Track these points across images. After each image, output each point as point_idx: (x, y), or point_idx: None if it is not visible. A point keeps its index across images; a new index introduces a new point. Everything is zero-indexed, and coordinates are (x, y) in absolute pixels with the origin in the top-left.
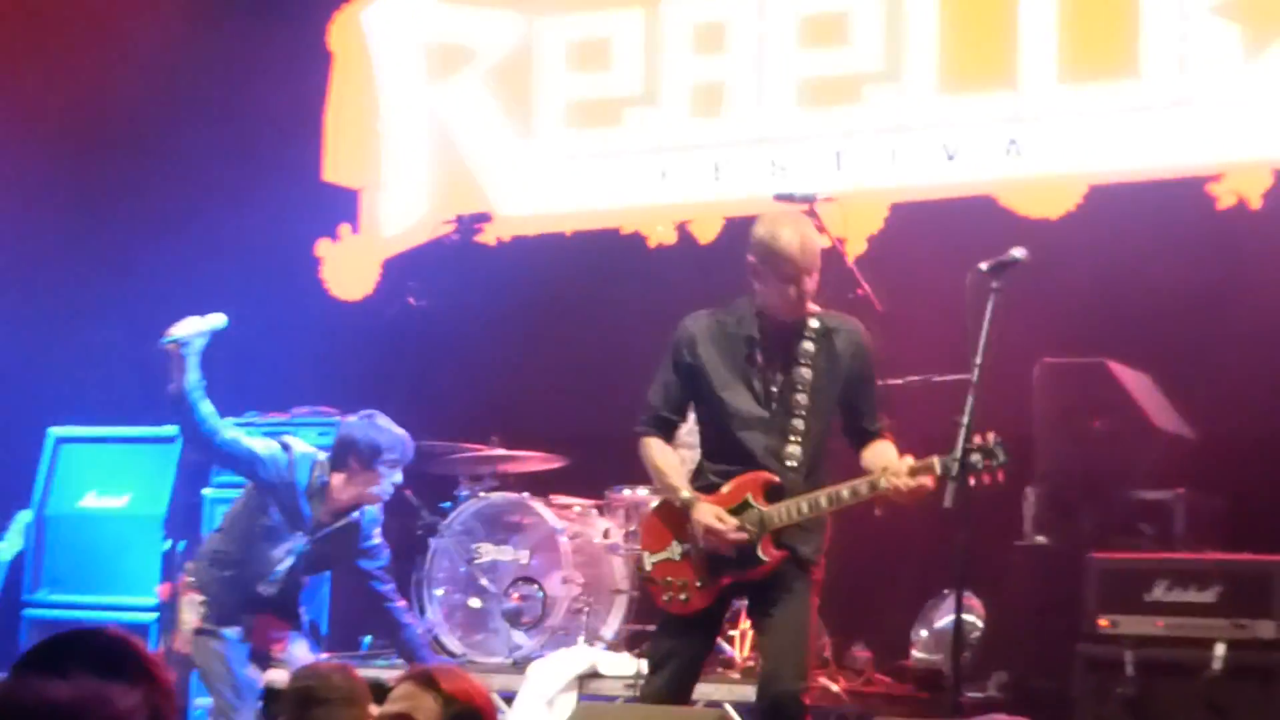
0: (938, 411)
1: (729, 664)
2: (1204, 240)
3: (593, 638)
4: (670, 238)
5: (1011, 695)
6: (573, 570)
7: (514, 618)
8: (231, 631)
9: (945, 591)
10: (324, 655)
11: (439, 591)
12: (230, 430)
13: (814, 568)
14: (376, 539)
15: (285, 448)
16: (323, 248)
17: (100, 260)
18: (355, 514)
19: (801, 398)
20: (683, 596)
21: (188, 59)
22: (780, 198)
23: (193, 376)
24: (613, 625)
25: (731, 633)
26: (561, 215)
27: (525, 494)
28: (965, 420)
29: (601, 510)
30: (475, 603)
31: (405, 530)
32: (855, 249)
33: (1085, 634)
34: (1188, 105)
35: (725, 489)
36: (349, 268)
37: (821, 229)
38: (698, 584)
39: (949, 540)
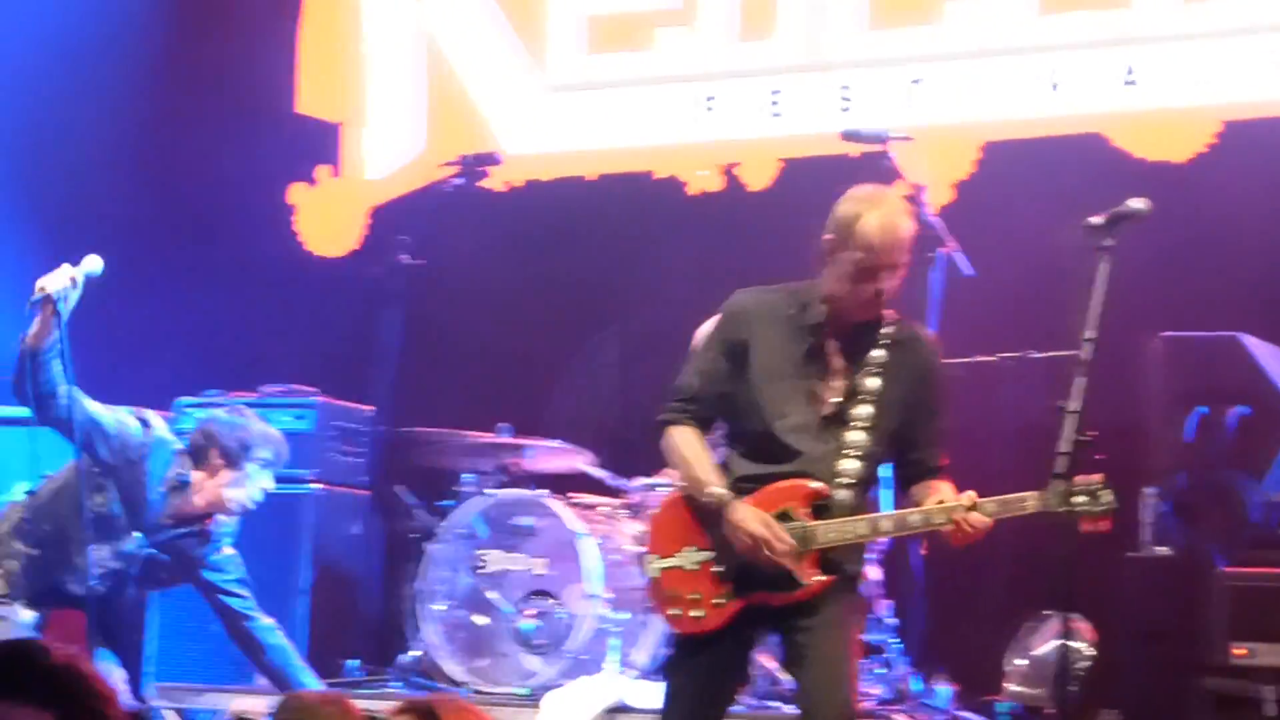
0: (1035, 395)
1: (782, 696)
2: None
3: (623, 664)
4: (715, 184)
5: None
6: (597, 582)
7: (527, 639)
8: (26, 616)
9: (1046, 613)
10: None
11: (437, 607)
12: (73, 393)
13: (854, 582)
14: (227, 550)
15: (144, 424)
16: (297, 194)
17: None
18: (208, 522)
19: (865, 410)
20: (695, 613)
21: None
22: (847, 136)
23: (55, 334)
24: (646, 648)
25: None
26: (582, 156)
27: (540, 491)
28: (1074, 408)
29: (631, 511)
30: (481, 621)
31: (396, 534)
32: (938, 198)
33: (1214, 665)
34: None
35: (760, 494)
36: (329, 218)
37: (896, 174)
38: (716, 600)
39: (1049, 552)
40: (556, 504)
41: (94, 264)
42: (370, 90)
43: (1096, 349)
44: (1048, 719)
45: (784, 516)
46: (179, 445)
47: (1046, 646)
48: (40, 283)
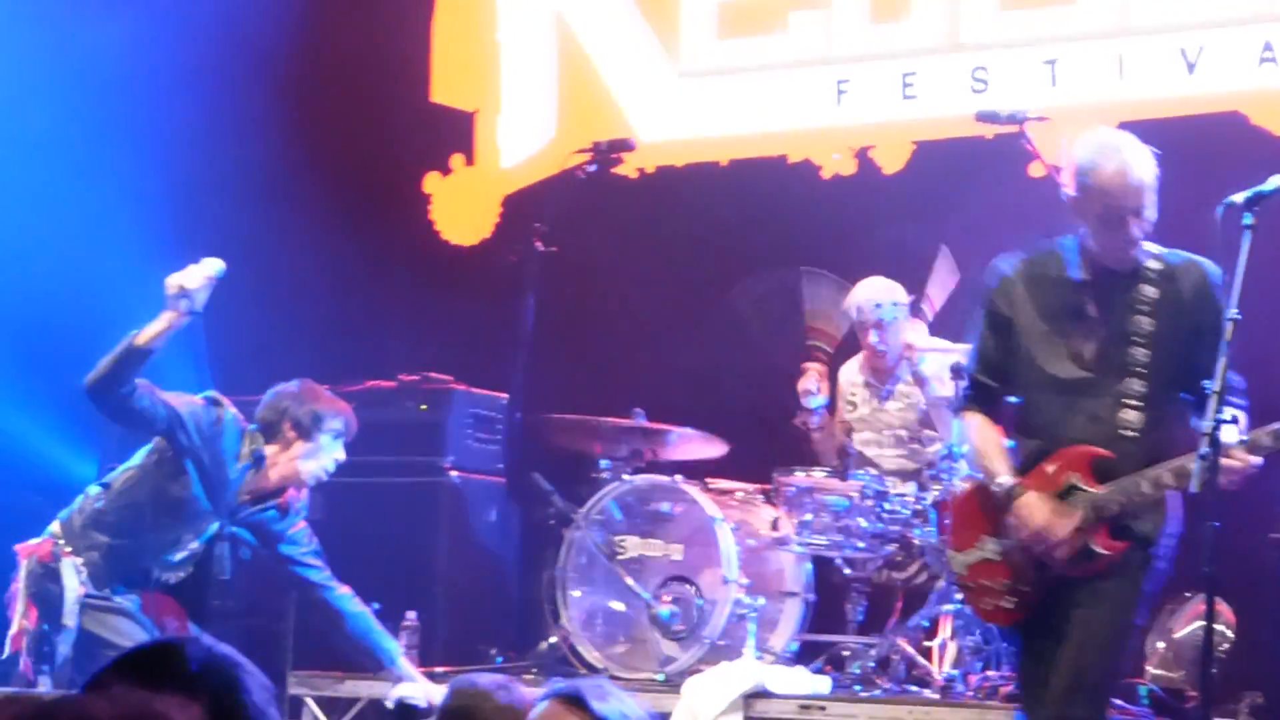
0: None
1: (922, 681)
2: None
3: (760, 649)
4: (848, 167)
5: None
6: (735, 568)
7: (665, 625)
8: (128, 601)
9: (1186, 595)
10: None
11: (575, 593)
12: (144, 385)
13: (1152, 549)
14: (300, 527)
15: (212, 403)
16: (431, 183)
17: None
18: (285, 497)
19: (1139, 353)
20: (1005, 603)
21: None
22: (983, 118)
23: (170, 334)
24: (784, 634)
25: (927, 644)
26: (716, 142)
27: (677, 477)
28: (1216, 386)
29: (769, 496)
30: (618, 606)
31: (534, 520)
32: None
33: None
34: None
35: (1046, 470)
36: (463, 206)
37: (1034, 154)
38: (1022, 585)
39: (1190, 534)
40: (693, 489)
41: (218, 265)
42: (504, 78)
43: (1236, 328)
44: (1189, 701)
45: (1070, 490)
46: (246, 423)
47: (1187, 629)
48: (177, 280)
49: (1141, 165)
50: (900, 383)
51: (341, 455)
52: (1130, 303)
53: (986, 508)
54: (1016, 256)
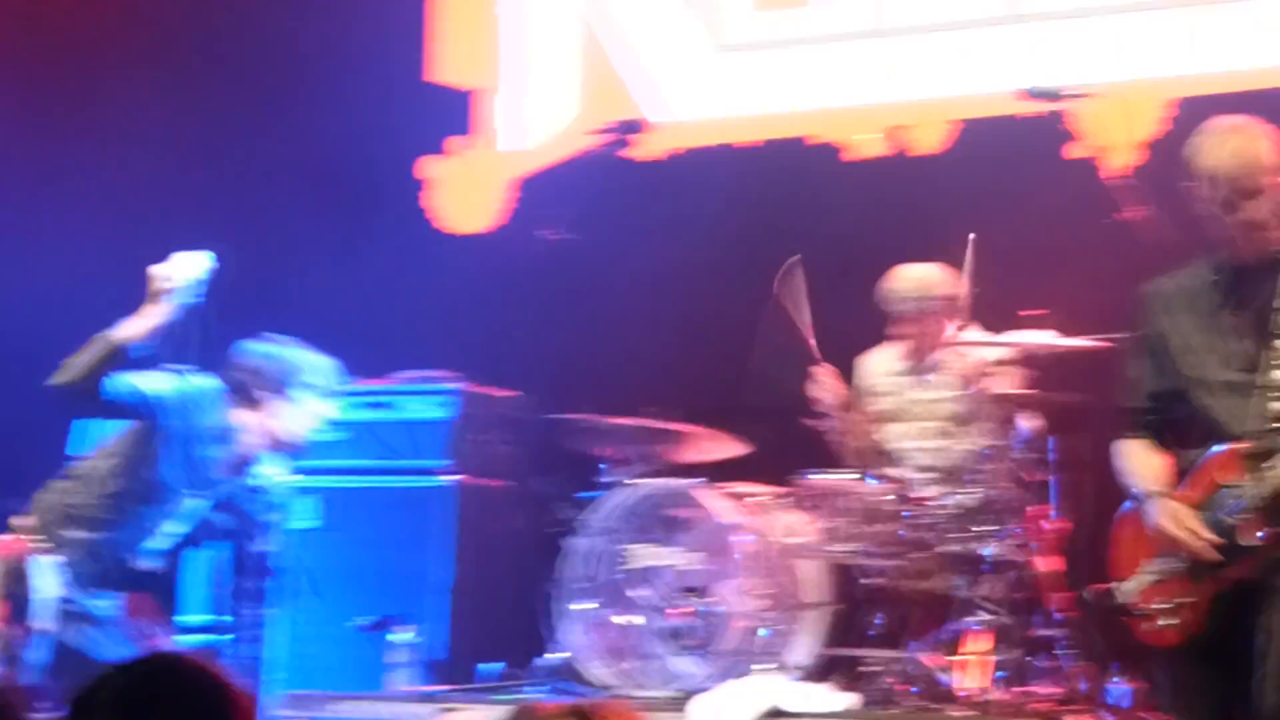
0: None
1: (947, 697)
2: None
3: (778, 664)
4: (879, 148)
5: None
6: (751, 578)
7: (675, 639)
8: (104, 606)
9: None
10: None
11: (578, 606)
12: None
13: None
14: (275, 515)
15: (187, 376)
16: (429, 166)
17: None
18: (261, 475)
19: None
20: (1166, 621)
21: None
22: (1028, 94)
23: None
24: (803, 649)
25: (953, 658)
26: (740, 122)
27: (689, 480)
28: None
29: (787, 501)
30: (625, 620)
31: (533, 527)
32: (1129, 159)
33: None
34: None
35: (1199, 477)
36: (464, 192)
37: (1074, 135)
38: (1182, 600)
39: None
40: (706, 494)
41: (206, 260)
42: (506, 54)
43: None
44: None
45: (1217, 492)
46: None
47: None
48: (163, 271)
49: (1242, 143)
50: (937, 373)
51: (330, 410)
52: (1269, 295)
53: (1143, 530)
54: (1170, 275)
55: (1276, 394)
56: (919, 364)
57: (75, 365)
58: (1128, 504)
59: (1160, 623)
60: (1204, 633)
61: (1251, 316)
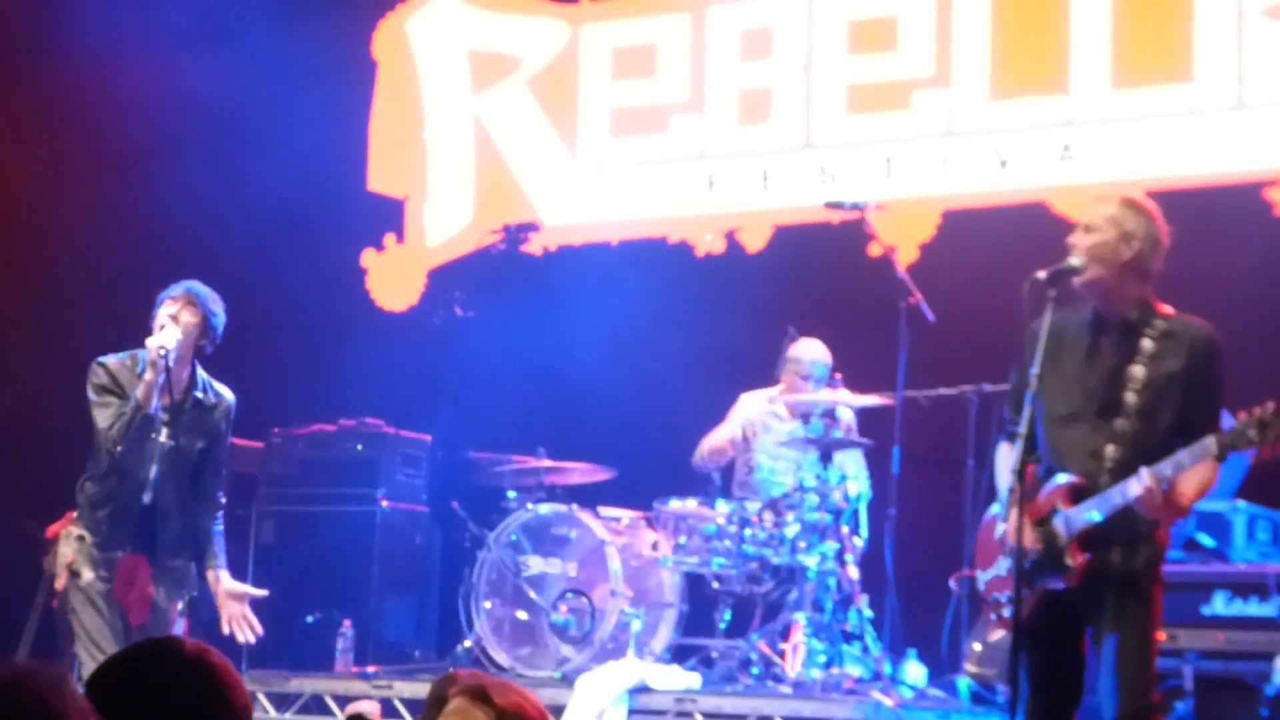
0: (992, 421)
1: (779, 677)
2: (1262, 247)
3: (642, 651)
4: (718, 246)
5: None
6: (621, 583)
7: (562, 631)
8: (103, 583)
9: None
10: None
11: (487, 604)
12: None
13: (1141, 580)
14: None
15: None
16: (368, 258)
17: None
18: (209, 395)
19: (1130, 397)
20: (1006, 612)
21: (230, 70)
22: (830, 205)
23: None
24: (663, 638)
25: (782, 646)
26: (608, 224)
27: (572, 506)
28: (1022, 431)
29: (649, 522)
30: (523, 615)
31: (453, 542)
32: (907, 257)
33: None
34: (1243, 110)
35: (1040, 496)
36: (394, 278)
37: (871, 236)
38: (1023, 594)
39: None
40: (586, 516)
41: (175, 333)
42: (430, 169)
43: (1042, 382)
44: (1003, 694)
45: (1054, 511)
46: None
47: (1000, 633)
48: (159, 341)
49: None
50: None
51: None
52: (1131, 351)
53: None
54: (1059, 312)
55: (1115, 438)
56: (795, 413)
57: (115, 433)
58: (993, 505)
59: (1003, 611)
60: (1036, 623)
61: (1111, 365)
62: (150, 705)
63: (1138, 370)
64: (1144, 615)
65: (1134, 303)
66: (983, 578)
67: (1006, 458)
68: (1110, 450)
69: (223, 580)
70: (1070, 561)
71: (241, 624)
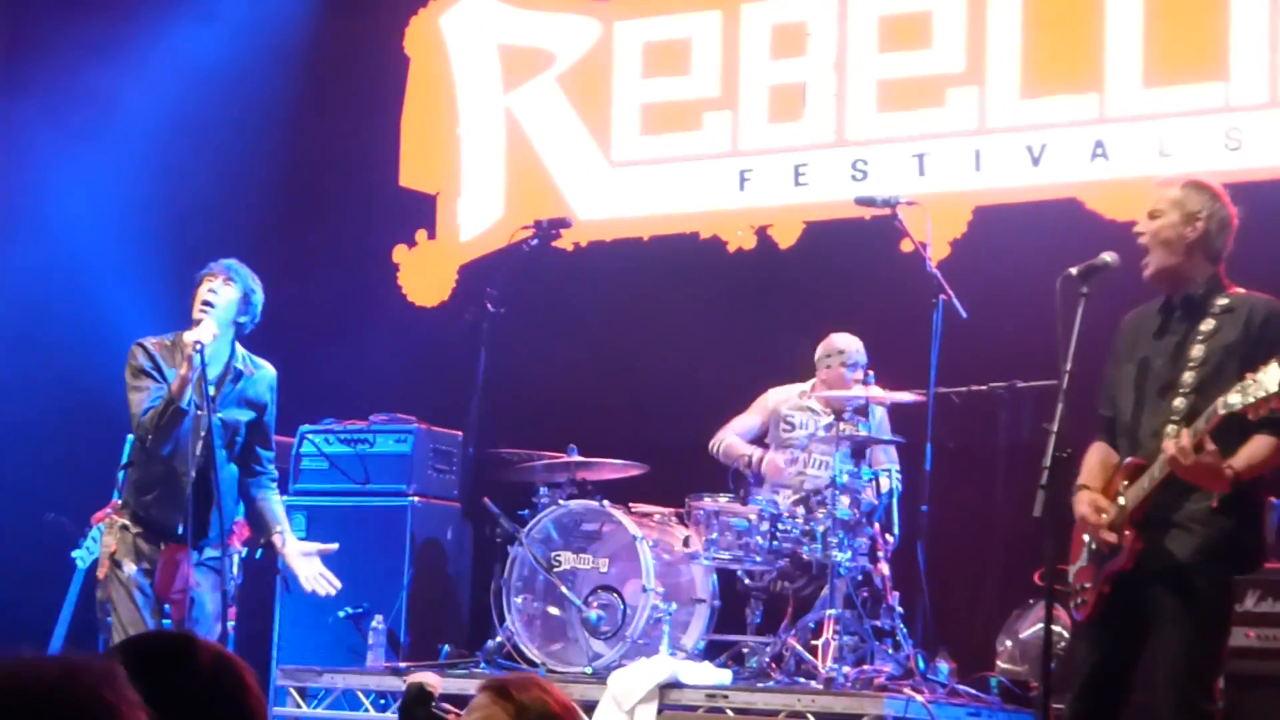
0: (1023, 418)
1: (808, 674)
2: None
3: (674, 647)
4: (749, 242)
5: None
6: (653, 579)
7: (593, 627)
8: (143, 576)
9: (1031, 602)
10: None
11: (518, 600)
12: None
13: (1195, 574)
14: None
15: (173, 340)
16: (400, 254)
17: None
18: (249, 365)
19: (1188, 375)
20: (1081, 600)
21: (264, 69)
22: (862, 201)
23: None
24: (694, 635)
25: (814, 643)
26: (639, 220)
27: (604, 501)
28: (1054, 428)
29: (681, 518)
30: (554, 611)
31: (484, 538)
32: (938, 253)
33: None
34: (1277, 107)
35: (1114, 479)
36: (426, 274)
37: (903, 233)
38: (1089, 584)
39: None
40: (618, 512)
41: (212, 328)
42: (463, 165)
43: (1072, 379)
44: (1032, 691)
45: (1119, 493)
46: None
47: (1031, 630)
48: (195, 336)
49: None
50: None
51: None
52: (1193, 331)
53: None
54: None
55: (1174, 417)
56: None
57: (148, 422)
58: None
59: (1076, 600)
60: (1102, 610)
61: (1175, 345)
62: (154, 703)
63: (1197, 350)
64: (1200, 615)
65: (1202, 283)
66: (1072, 570)
67: (1095, 453)
68: (1170, 430)
69: (289, 543)
70: (1122, 541)
71: (320, 581)
